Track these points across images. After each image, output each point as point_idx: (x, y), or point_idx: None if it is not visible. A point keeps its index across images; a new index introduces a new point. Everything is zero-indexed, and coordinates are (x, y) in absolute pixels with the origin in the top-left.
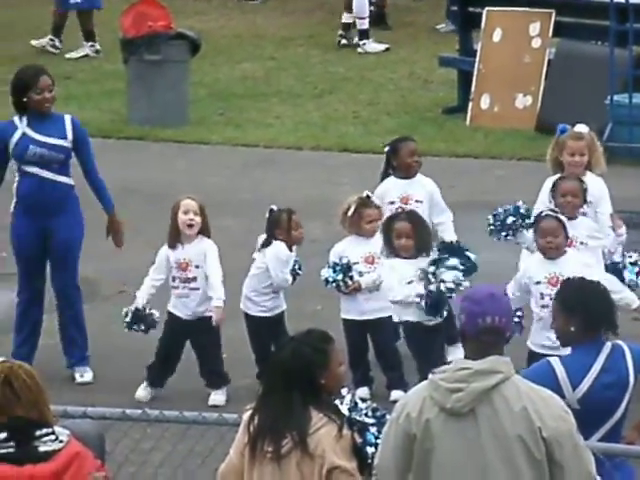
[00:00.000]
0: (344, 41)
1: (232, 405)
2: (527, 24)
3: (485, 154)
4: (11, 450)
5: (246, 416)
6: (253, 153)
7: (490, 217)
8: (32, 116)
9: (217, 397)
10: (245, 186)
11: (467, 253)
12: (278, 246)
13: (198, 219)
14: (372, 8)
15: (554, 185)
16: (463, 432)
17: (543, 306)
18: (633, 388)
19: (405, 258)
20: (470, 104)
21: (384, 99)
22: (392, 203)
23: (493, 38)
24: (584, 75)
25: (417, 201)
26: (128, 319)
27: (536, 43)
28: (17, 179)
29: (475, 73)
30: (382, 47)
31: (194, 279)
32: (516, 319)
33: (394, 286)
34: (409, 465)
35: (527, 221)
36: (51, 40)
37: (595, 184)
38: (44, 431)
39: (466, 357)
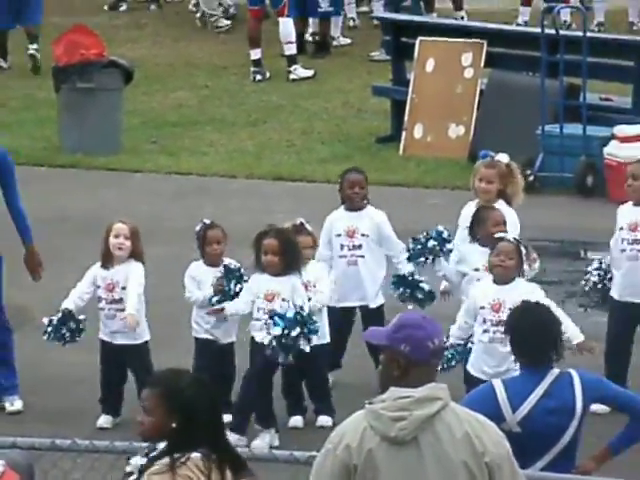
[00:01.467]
0: (259, 77)
1: None
2: (459, 54)
3: (418, 183)
4: None
5: None
6: (186, 181)
7: (410, 241)
8: None
9: None
10: (178, 214)
11: (421, 285)
12: (191, 264)
13: (128, 243)
14: (315, 38)
15: (477, 215)
16: (406, 460)
17: (485, 331)
18: (582, 417)
19: (273, 275)
20: (403, 133)
21: (318, 128)
22: (338, 235)
23: (426, 68)
24: (516, 105)
25: (363, 235)
26: (53, 324)
27: (468, 73)
28: None
29: (408, 103)
30: (310, 73)
31: (120, 300)
32: (469, 345)
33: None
34: None
35: (448, 246)
36: None
37: (507, 215)
38: None
39: (404, 386)
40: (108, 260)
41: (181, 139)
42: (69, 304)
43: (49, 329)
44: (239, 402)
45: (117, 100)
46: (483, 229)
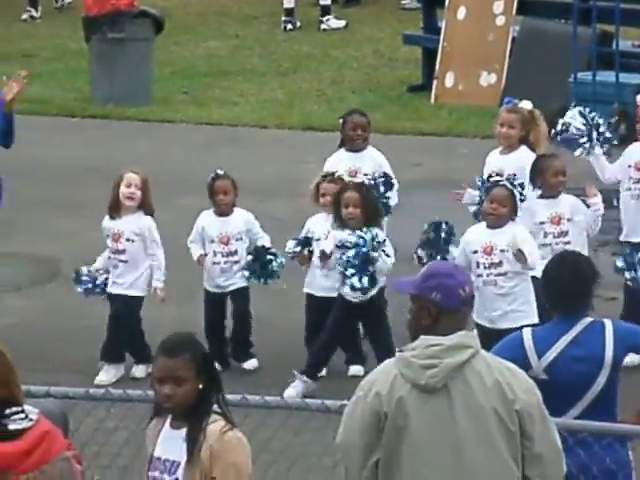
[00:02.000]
0: (290, 26)
1: None
2: (491, 2)
3: (449, 132)
4: None
5: None
6: (217, 131)
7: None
8: None
9: (138, 370)
10: (208, 164)
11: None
12: (202, 213)
13: (139, 193)
14: None
15: (537, 164)
16: (437, 408)
17: (478, 275)
18: (614, 367)
19: (353, 229)
20: (434, 82)
21: (348, 77)
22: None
23: (457, 16)
24: (548, 53)
25: (365, 175)
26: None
27: (500, 21)
28: None
29: (439, 51)
30: (342, 23)
31: (123, 251)
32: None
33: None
34: (376, 444)
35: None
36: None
37: (530, 160)
38: (14, 409)
39: (435, 334)
40: (116, 210)
41: (212, 89)
42: (99, 264)
43: (84, 283)
44: (317, 350)
45: (148, 50)
46: (542, 179)
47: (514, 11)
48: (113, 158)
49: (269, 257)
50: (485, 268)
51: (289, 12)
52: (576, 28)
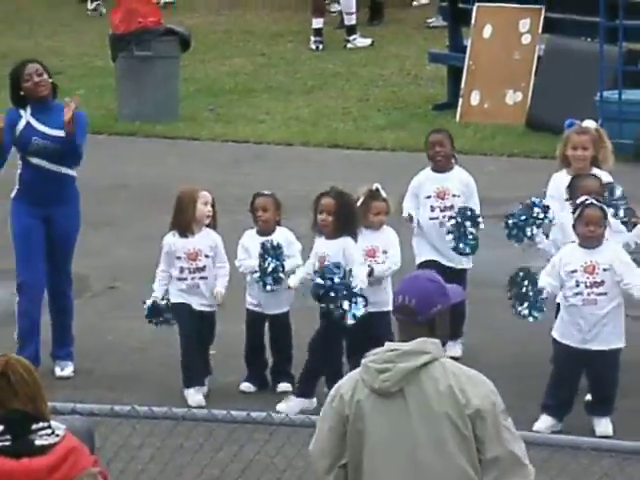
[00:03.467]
0: (321, 46)
1: (220, 401)
2: (517, 20)
3: (475, 150)
4: (7, 443)
5: None
6: (243, 149)
7: (508, 218)
8: (33, 106)
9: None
10: (235, 181)
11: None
12: (245, 232)
13: (213, 211)
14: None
15: (572, 183)
16: (392, 412)
17: (577, 294)
18: None
19: (327, 238)
20: (460, 100)
21: (374, 95)
22: (428, 197)
23: (483, 34)
24: (574, 71)
25: (454, 195)
26: (147, 311)
27: (526, 39)
28: (20, 167)
29: (465, 69)
30: (368, 42)
31: (203, 269)
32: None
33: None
34: (343, 448)
35: (549, 215)
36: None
37: (605, 178)
38: (40, 425)
39: (399, 340)
40: (189, 228)
41: (238, 107)
42: (159, 292)
43: (146, 313)
44: (308, 367)
45: (174, 68)
46: (577, 198)
47: (540, 29)
48: (140, 175)
49: (280, 263)
50: (587, 287)
51: (317, 32)
52: (602, 46)
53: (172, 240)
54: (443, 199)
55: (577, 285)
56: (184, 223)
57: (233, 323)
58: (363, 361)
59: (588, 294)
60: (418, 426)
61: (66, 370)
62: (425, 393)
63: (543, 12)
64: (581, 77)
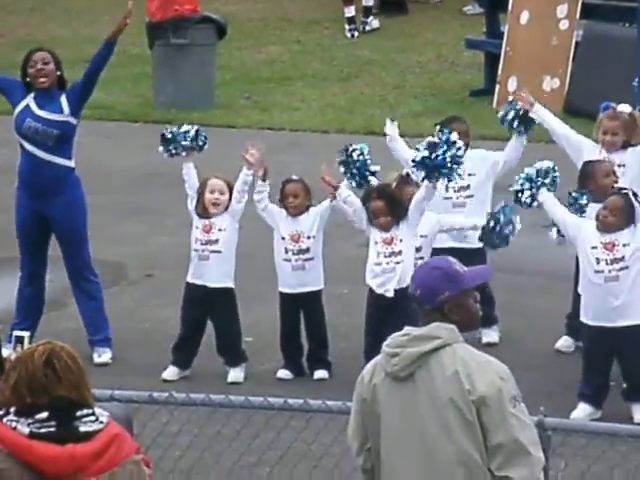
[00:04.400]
0: (356, 33)
1: (257, 388)
2: (554, 6)
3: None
4: (52, 429)
5: None
6: (279, 136)
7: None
8: (36, 93)
9: (236, 374)
10: (271, 169)
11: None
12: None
13: (223, 198)
14: None
15: (586, 168)
16: (403, 397)
17: (597, 271)
18: None
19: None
20: (497, 87)
21: (410, 82)
22: None
23: (520, 20)
24: (612, 57)
25: (470, 175)
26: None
27: (564, 25)
28: (19, 156)
29: (502, 56)
30: (377, 24)
31: (216, 241)
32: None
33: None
34: (367, 431)
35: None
36: None
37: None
38: (85, 412)
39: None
40: (204, 212)
41: (273, 94)
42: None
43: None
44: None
45: (210, 55)
46: (593, 183)
47: (578, 15)
48: (176, 163)
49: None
50: (607, 264)
51: (351, 20)
52: None
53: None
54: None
55: (597, 262)
56: (199, 207)
57: (271, 310)
58: (383, 344)
59: (609, 271)
60: (426, 411)
61: (103, 356)
62: (433, 378)
63: None
64: (619, 63)
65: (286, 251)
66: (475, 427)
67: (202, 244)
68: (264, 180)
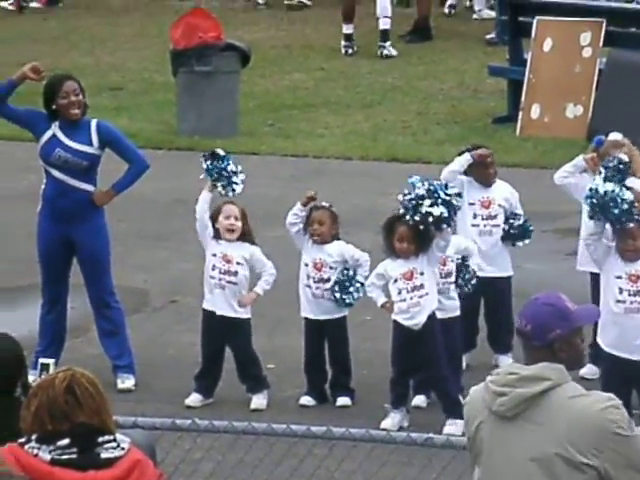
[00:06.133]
0: (350, 51)
1: (280, 415)
2: (578, 34)
3: (535, 164)
4: (74, 456)
5: None
6: (302, 163)
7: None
8: (62, 122)
9: (258, 401)
10: (294, 196)
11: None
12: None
13: (239, 224)
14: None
15: None
16: (508, 437)
17: (618, 301)
18: None
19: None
20: (520, 114)
21: (433, 109)
22: (472, 204)
23: (543, 48)
24: (635, 84)
25: (499, 206)
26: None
27: (587, 53)
28: (44, 181)
29: (525, 83)
30: (395, 52)
31: (235, 273)
32: None
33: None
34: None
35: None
36: None
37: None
38: (106, 438)
39: (523, 363)
40: (219, 236)
41: (297, 121)
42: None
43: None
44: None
45: (234, 83)
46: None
47: (601, 43)
48: (199, 190)
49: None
50: (630, 295)
51: (348, 37)
52: None
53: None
54: (488, 208)
55: (620, 292)
56: (215, 231)
57: (293, 336)
58: (487, 378)
59: (631, 302)
60: (531, 454)
61: (127, 382)
62: (542, 423)
63: (604, 25)
64: None
65: (307, 277)
66: (581, 469)
67: (220, 273)
68: (304, 205)
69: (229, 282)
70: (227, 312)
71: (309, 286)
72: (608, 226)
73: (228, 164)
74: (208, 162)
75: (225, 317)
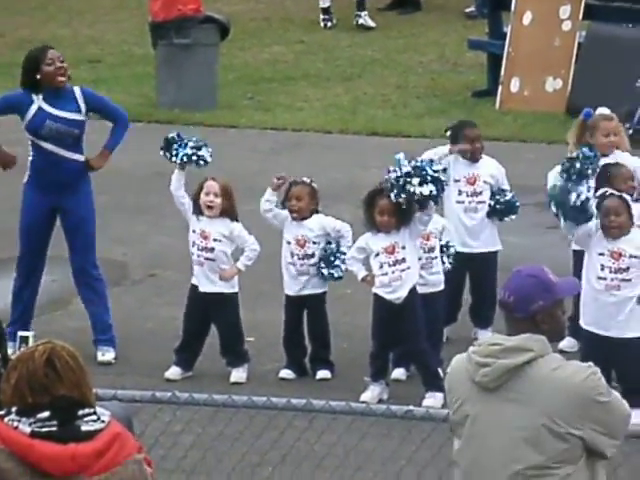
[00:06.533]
0: (329, 24)
1: (260, 388)
2: (557, 7)
3: (515, 137)
4: (54, 429)
5: None
6: (282, 136)
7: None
8: (46, 91)
9: (238, 374)
10: (273, 170)
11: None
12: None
13: (218, 201)
14: None
15: (605, 172)
16: (490, 407)
17: (600, 278)
18: None
19: (387, 233)
20: (500, 87)
21: (413, 82)
22: (457, 181)
23: (523, 21)
24: (615, 58)
25: (485, 182)
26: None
27: (566, 26)
28: (31, 154)
29: (505, 56)
30: (372, 24)
31: (212, 250)
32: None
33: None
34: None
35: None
36: None
37: (632, 161)
38: (86, 411)
39: (505, 334)
40: (200, 212)
41: (276, 94)
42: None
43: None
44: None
45: (213, 56)
46: (611, 187)
47: (580, 16)
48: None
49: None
50: (611, 272)
51: (326, 11)
52: None
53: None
54: (473, 185)
55: (602, 269)
56: (195, 207)
57: (273, 310)
58: (470, 348)
59: (612, 279)
60: (515, 426)
61: (107, 355)
62: (524, 393)
63: None
64: (622, 63)
65: (292, 255)
66: (567, 440)
67: (198, 249)
68: (275, 190)
69: (207, 259)
70: (209, 288)
71: (293, 264)
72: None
73: (186, 144)
74: (167, 152)
75: (208, 293)
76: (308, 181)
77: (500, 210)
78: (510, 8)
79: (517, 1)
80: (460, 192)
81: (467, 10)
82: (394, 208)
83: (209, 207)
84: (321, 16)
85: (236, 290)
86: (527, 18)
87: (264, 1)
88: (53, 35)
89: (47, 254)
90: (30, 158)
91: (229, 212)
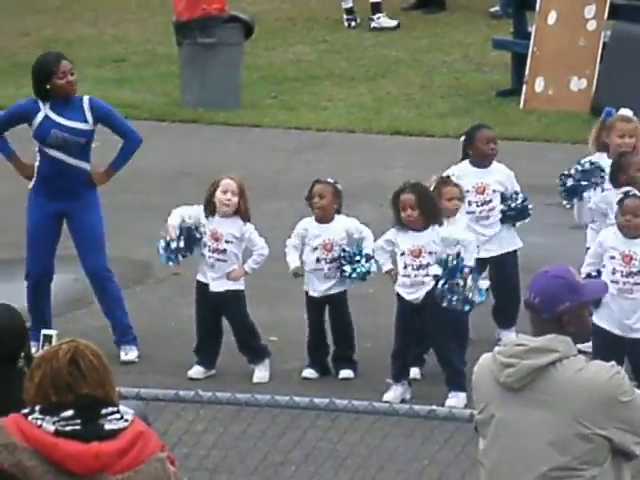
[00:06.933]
0: (353, 23)
1: (283, 387)
2: (582, 6)
3: (539, 137)
4: (77, 427)
5: None
6: (305, 136)
7: (560, 178)
8: (54, 100)
9: (260, 374)
10: (297, 169)
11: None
12: (304, 219)
13: (235, 199)
14: None
15: (619, 160)
16: (514, 408)
17: (612, 281)
18: None
19: (415, 230)
20: (524, 87)
21: (437, 82)
22: (466, 192)
23: (548, 21)
24: (639, 57)
25: (494, 191)
26: (163, 246)
27: (591, 26)
28: (38, 159)
29: (529, 56)
30: (393, 23)
31: (224, 251)
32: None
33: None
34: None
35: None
36: None
37: None
38: (109, 409)
39: (531, 335)
40: (212, 212)
41: (300, 94)
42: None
43: (162, 248)
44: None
45: (238, 55)
46: (625, 175)
47: (606, 16)
48: (203, 162)
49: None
50: (623, 276)
51: (349, 11)
52: None
53: (203, 220)
54: (482, 194)
55: (613, 273)
56: (206, 207)
57: (294, 309)
58: (495, 349)
59: (624, 283)
60: (540, 428)
61: (130, 354)
62: (549, 394)
63: None
64: None
65: (318, 260)
66: (593, 441)
67: (210, 251)
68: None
69: (218, 260)
70: (218, 288)
71: (321, 269)
72: (614, 203)
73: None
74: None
75: (217, 292)
76: (332, 181)
77: (511, 216)
78: (535, 8)
79: (542, 1)
80: (470, 203)
81: (492, 10)
82: (416, 201)
83: (225, 205)
84: (345, 16)
85: (242, 287)
86: (552, 18)
87: (288, 1)
88: (78, 34)
89: (54, 261)
90: (37, 164)
91: (242, 212)
